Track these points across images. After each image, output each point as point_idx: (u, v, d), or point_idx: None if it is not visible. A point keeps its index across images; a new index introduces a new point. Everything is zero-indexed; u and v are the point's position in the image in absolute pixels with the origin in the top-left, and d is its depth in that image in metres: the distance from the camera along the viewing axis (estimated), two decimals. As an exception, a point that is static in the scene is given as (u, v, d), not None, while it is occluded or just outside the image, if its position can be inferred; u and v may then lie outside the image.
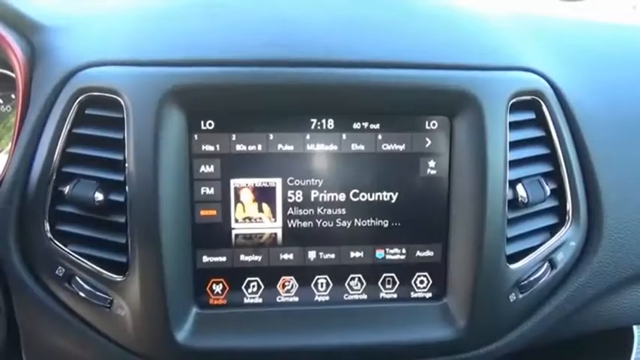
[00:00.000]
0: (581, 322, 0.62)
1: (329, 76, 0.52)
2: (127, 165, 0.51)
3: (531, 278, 0.57)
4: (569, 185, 0.58)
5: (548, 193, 0.57)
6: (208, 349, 0.53)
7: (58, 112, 0.52)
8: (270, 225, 0.55)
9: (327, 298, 0.57)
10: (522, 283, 0.57)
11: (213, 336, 0.53)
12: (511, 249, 0.56)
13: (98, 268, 0.52)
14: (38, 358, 0.56)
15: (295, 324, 0.55)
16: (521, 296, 0.57)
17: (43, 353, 0.55)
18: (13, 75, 0.57)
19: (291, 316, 0.55)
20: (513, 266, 0.56)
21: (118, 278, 0.52)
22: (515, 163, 0.55)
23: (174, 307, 0.52)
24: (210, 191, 0.54)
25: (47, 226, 0.52)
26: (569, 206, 0.58)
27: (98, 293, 0.52)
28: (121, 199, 0.51)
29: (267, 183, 0.54)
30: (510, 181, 0.55)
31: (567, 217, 0.58)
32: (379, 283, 0.57)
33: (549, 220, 0.58)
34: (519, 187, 0.56)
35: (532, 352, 0.64)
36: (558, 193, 0.58)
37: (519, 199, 0.55)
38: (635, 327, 0.68)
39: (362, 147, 0.55)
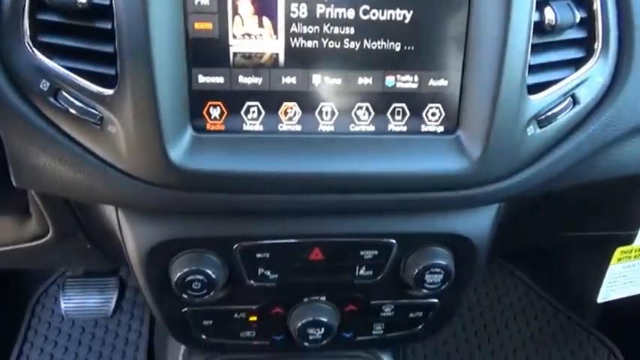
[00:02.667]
0: (597, 166, 0.59)
1: None
2: (110, -38, 0.45)
3: (551, 112, 0.53)
4: (600, 13, 0.53)
5: (578, 18, 0.51)
6: (204, 171, 0.50)
7: None
8: (271, 43, 0.50)
9: (332, 127, 0.53)
10: (541, 117, 0.53)
11: (209, 159, 0.50)
12: (533, 79, 0.51)
13: (85, 82, 0.48)
14: (27, 182, 0.53)
15: (297, 151, 0.52)
16: (539, 131, 0.53)
17: (33, 177, 0.52)
18: None
19: (293, 142, 0.52)
20: (533, 97, 0.52)
21: (108, 92, 0.48)
22: None
23: (168, 127, 0.48)
24: (204, 1, 0.48)
25: (27, 37, 0.47)
26: (598, 37, 0.53)
27: (87, 108, 0.48)
28: (106, 1, 0.46)
29: None
30: (537, 2, 0.49)
31: (596, 48, 0.54)
32: (388, 113, 0.53)
33: (575, 53, 0.54)
34: (547, 10, 0.50)
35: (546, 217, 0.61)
36: (588, 23, 0.53)
37: (546, 22, 0.50)
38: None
39: None
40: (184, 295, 0.58)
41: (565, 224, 0.80)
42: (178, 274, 0.57)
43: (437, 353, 1.46)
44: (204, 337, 0.67)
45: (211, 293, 0.59)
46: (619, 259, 0.72)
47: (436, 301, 0.66)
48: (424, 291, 0.62)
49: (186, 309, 0.64)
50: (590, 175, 0.60)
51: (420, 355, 1.45)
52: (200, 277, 0.57)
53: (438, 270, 0.60)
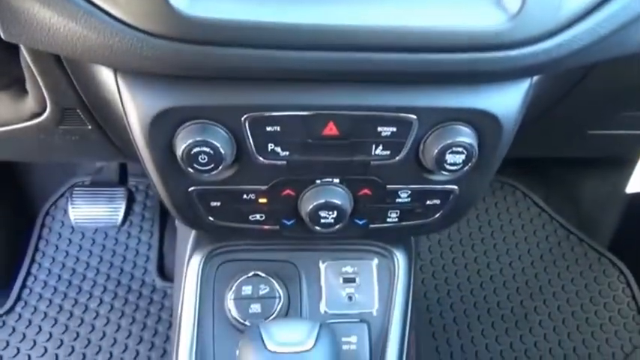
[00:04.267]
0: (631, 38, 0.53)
1: None
2: None
3: None
4: None
5: None
6: (208, 19, 0.45)
7: None
8: None
9: None
10: None
11: (214, 6, 0.45)
12: None
13: None
14: (16, 35, 0.49)
15: (313, 0, 0.46)
16: None
17: (22, 28, 0.48)
18: None
19: None
20: None
21: None
22: None
23: None
24: None
25: None
26: None
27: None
28: None
29: None
30: None
31: None
32: None
33: None
34: None
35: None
36: None
37: None
38: None
39: None
40: (190, 170, 0.55)
41: (592, 118, 0.75)
42: (183, 146, 0.54)
43: (445, 271, 1.46)
44: (211, 219, 0.64)
45: (219, 168, 0.55)
46: (654, 146, 0.68)
47: (455, 187, 0.63)
48: (444, 173, 0.58)
49: (192, 188, 0.61)
50: (623, 49, 0.54)
51: (428, 272, 1.46)
52: (206, 149, 0.54)
53: (460, 149, 0.56)
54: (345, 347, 0.70)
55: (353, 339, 0.71)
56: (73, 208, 1.34)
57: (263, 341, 0.41)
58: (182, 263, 0.79)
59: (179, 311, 0.74)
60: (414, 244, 0.80)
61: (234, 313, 0.70)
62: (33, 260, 1.43)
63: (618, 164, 0.90)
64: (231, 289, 0.72)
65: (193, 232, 0.78)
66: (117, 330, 1.31)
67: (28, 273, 1.40)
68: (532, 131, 0.73)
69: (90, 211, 1.34)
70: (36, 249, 1.45)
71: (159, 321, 1.34)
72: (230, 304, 0.71)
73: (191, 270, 0.75)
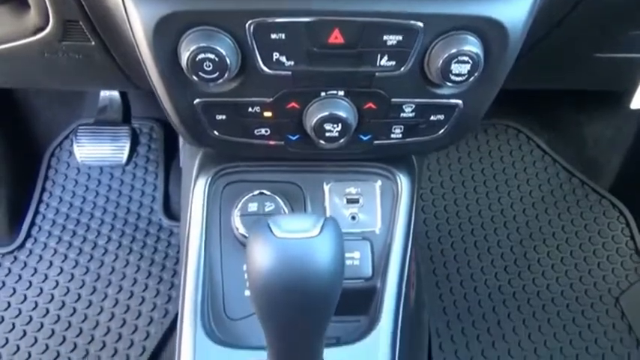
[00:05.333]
0: None
1: None
2: None
3: None
4: None
5: None
6: None
7: None
8: None
9: None
10: None
11: None
12: None
13: None
14: None
15: None
16: None
17: None
18: None
19: None
20: None
21: None
22: None
23: None
24: None
25: None
26: None
27: None
28: None
29: None
30: None
31: None
32: None
33: None
34: None
35: None
36: None
37: None
38: None
39: None
40: (195, 79, 0.55)
41: (599, 38, 0.74)
42: (188, 53, 0.54)
43: (447, 211, 1.48)
44: (216, 133, 0.65)
45: (224, 77, 0.55)
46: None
47: (459, 102, 0.63)
48: (449, 85, 0.58)
49: (198, 100, 0.61)
50: None
51: (430, 212, 1.48)
52: (211, 55, 0.54)
53: (465, 59, 0.56)
54: (348, 262, 0.72)
55: (356, 254, 0.73)
56: (78, 146, 1.34)
57: (271, 230, 0.43)
58: (188, 189, 0.80)
59: (186, 231, 0.76)
60: (417, 168, 0.80)
61: (241, 229, 0.72)
62: (40, 200, 1.45)
63: (622, 107, 0.89)
64: (237, 206, 0.73)
65: (199, 156, 0.79)
66: (125, 265, 1.34)
67: (37, 212, 1.43)
68: (538, 55, 0.72)
69: (95, 150, 1.35)
70: (43, 189, 1.47)
71: (166, 257, 1.37)
72: (236, 220, 0.72)
73: (197, 191, 0.76)
